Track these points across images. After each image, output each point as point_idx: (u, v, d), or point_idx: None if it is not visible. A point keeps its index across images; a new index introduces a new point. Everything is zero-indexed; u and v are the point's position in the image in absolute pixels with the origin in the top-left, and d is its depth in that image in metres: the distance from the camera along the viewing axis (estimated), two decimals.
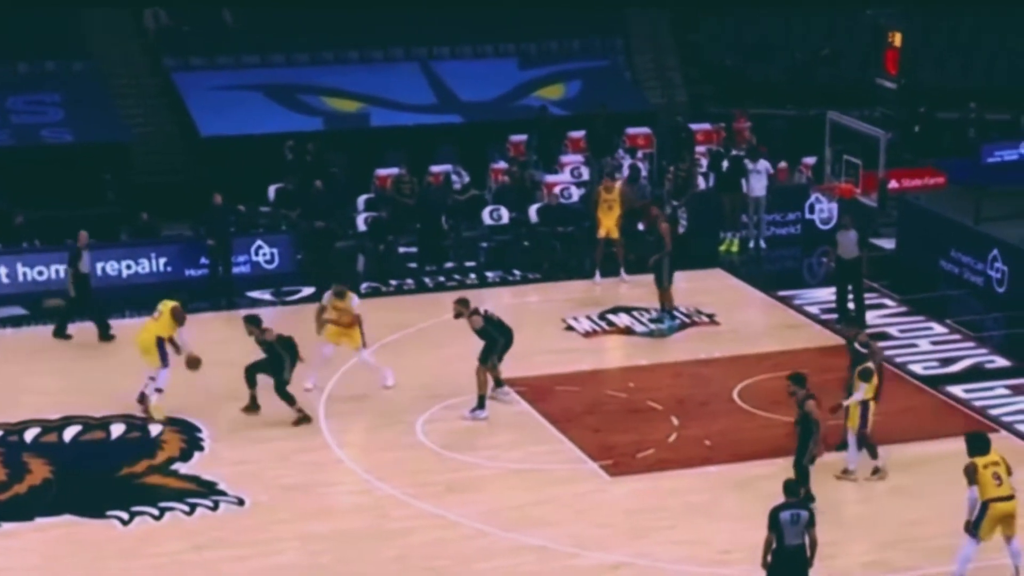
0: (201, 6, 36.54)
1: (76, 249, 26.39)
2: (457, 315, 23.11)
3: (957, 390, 24.03)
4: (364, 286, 28.01)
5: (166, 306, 23.14)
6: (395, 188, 31.64)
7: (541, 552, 19.02)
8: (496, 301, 26.34)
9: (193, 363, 22.91)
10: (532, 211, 31.42)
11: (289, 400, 22.49)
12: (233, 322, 23.74)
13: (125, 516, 19.94)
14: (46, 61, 34.65)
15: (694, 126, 34.90)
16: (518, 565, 18.78)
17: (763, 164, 31.40)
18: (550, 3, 37.35)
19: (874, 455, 20.86)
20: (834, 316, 26.99)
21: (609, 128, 34.12)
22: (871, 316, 26.96)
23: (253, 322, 22.71)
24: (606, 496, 20.64)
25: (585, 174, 33.50)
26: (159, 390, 22.94)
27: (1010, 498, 17.69)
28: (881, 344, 24.42)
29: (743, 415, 23.03)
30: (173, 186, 32.51)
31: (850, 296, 26.87)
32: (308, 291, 28.39)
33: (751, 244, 31.51)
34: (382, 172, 32.47)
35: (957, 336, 26.52)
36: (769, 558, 16.76)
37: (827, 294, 27.84)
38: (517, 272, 30.02)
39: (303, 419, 22.57)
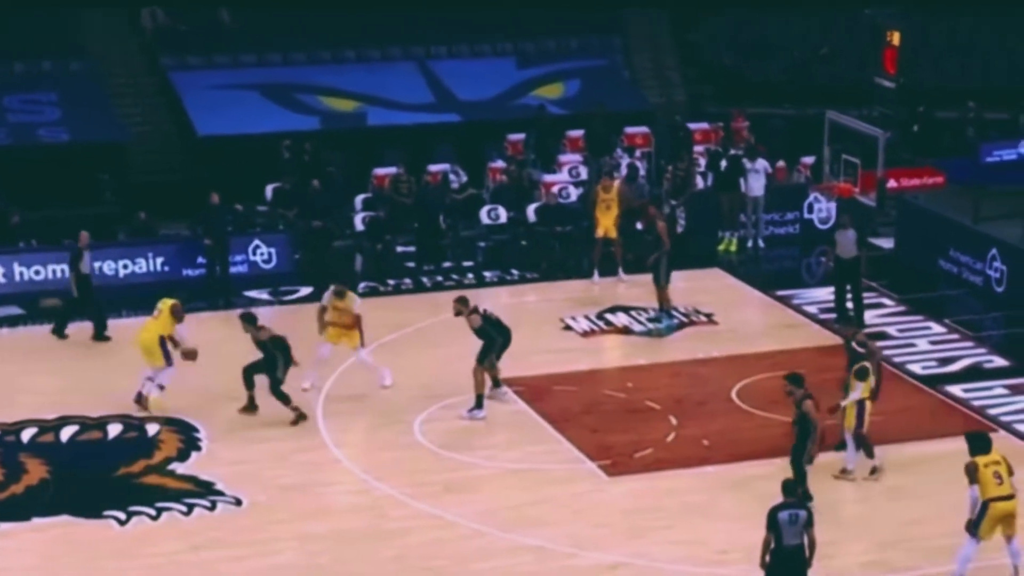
0: (198, 5, 36.50)
1: (77, 250, 26.33)
2: (457, 313, 23.08)
3: (956, 390, 24.00)
4: (362, 286, 27.95)
5: (165, 304, 23.18)
6: (393, 187, 31.60)
7: (539, 552, 18.99)
8: (494, 301, 26.28)
9: (190, 355, 22.94)
10: (530, 210, 31.37)
11: (284, 400, 22.46)
12: (230, 322, 23.71)
13: (122, 516, 19.91)
14: (43, 60, 34.62)
15: (692, 125, 34.88)
16: (516, 565, 18.75)
17: (761, 163, 31.37)
18: (548, 2, 37.30)
19: (870, 454, 20.82)
20: (833, 316, 26.95)
21: (607, 127, 34.08)
22: (870, 316, 26.93)
23: (248, 320, 22.71)
24: (604, 496, 20.61)
25: (583, 173, 33.47)
26: (161, 387, 22.95)
27: (1010, 497, 17.67)
28: (880, 344, 24.42)
29: (741, 415, 23.00)
30: (170, 185, 32.47)
31: (849, 296, 26.82)
32: (306, 291, 28.37)
33: (749, 243, 31.48)
34: (380, 171, 32.44)
35: (956, 336, 26.49)
36: (767, 558, 16.73)
37: (826, 294, 27.81)
38: (515, 271, 29.98)
39: (300, 417, 22.54)
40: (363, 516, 20.05)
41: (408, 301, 28.24)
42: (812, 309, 27.67)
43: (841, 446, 20.91)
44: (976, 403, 23.46)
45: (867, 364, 20.78)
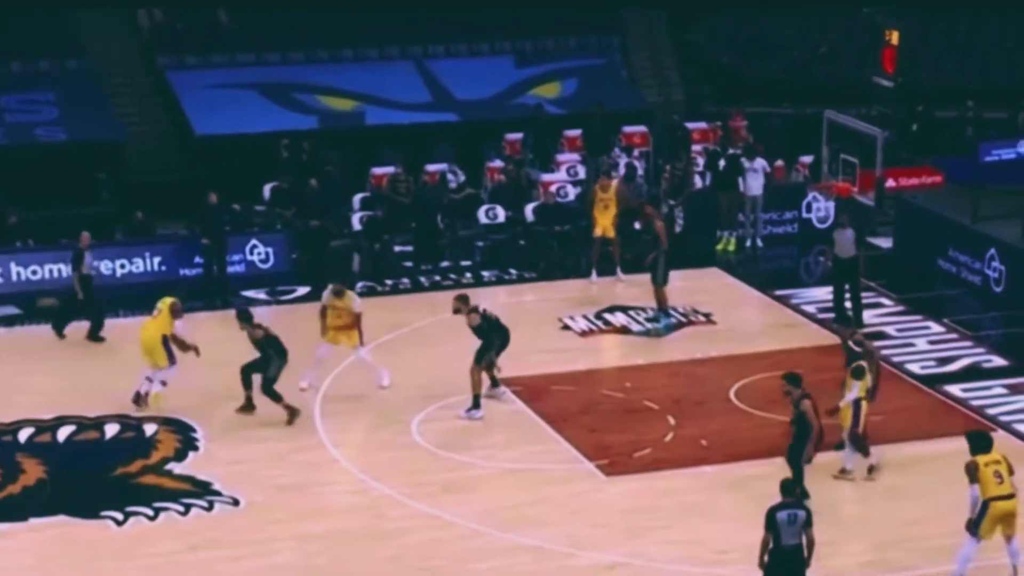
0: (196, 5, 36.46)
1: (79, 250, 26.27)
2: (456, 311, 23.06)
3: (955, 389, 23.96)
4: (360, 285, 27.89)
5: (165, 303, 23.19)
6: (391, 187, 31.57)
7: (537, 552, 18.96)
8: (492, 300, 26.23)
9: (185, 347, 22.96)
10: (528, 210, 31.34)
11: (275, 398, 22.44)
12: (228, 322, 23.65)
13: (119, 516, 19.87)
14: (40, 60, 34.61)
15: (691, 125, 34.85)
16: (514, 565, 18.72)
17: (760, 163, 31.33)
18: (546, 1, 37.29)
19: (866, 454, 20.78)
20: (831, 315, 26.91)
21: (605, 127, 34.07)
22: (868, 315, 26.90)
23: (244, 318, 22.73)
24: (602, 496, 20.58)
25: (581, 173, 33.44)
26: (163, 383, 22.97)
27: (1011, 497, 17.64)
28: (878, 343, 24.41)
29: (740, 415, 22.97)
30: (168, 185, 32.45)
31: (847, 295, 26.79)
32: (303, 290, 28.35)
33: (748, 243, 31.44)
34: (378, 171, 32.41)
35: (954, 335, 26.46)
36: (766, 558, 16.70)
37: (824, 293, 27.77)
38: (513, 271, 29.95)
39: (293, 414, 22.53)
40: (361, 516, 20.02)
41: (406, 301, 28.20)
42: (810, 309, 27.63)
43: (840, 446, 20.88)
44: (975, 403, 23.43)
45: (863, 363, 20.76)
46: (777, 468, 19.68)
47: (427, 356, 25.09)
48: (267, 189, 31.96)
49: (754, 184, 31.21)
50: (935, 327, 26.84)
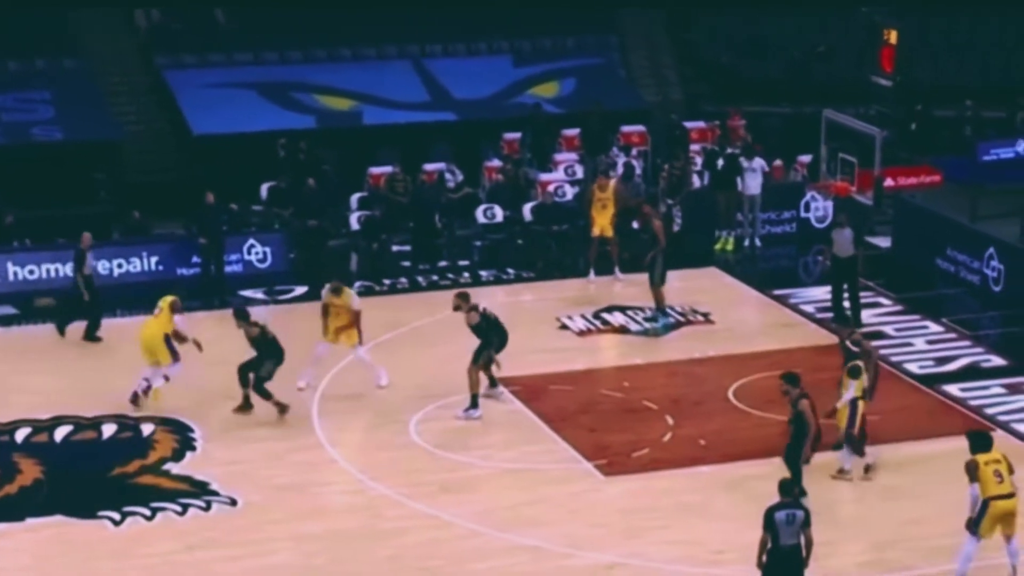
0: (193, 4, 36.41)
1: (80, 251, 26.21)
2: (456, 308, 23.02)
3: (953, 389, 23.94)
4: (357, 285, 27.83)
5: (165, 301, 23.23)
6: (388, 186, 31.53)
7: (535, 552, 18.93)
8: (490, 300, 26.16)
9: (183, 339, 22.97)
10: (526, 209, 31.31)
11: (264, 395, 22.42)
12: (225, 321, 23.61)
13: (117, 516, 19.84)
14: (36, 59, 34.55)
15: (689, 124, 34.81)
16: (512, 565, 18.69)
17: (758, 162, 31.31)
18: (544, 1, 37.23)
19: (861, 454, 20.75)
20: (830, 315, 26.89)
21: (603, 126, 34.03)
22: (867, 315, 26.87)
23: (240, 316, 22.73)
24: (600, 496, 20.55)
25: (579, 172, 33.40)
26: (166, 377, 22.99)
27: (1011, 496, 17.62)
28: (877, 343, 24.40)
29: (738, 414, 22.94)
30: (165, 184, 32.39)
31: (846, 295, 26.75)
32: (301, 290, 28.34)
33: (746, 242, 31.42)
34: (375, 170, 32.36)
35: (953, 335, 26.43)
36: (764, 558, 16.67)
37: (822, 293, 27.74)
38: (511, 271, 29.91)
39: (283, 409, 22.52)
40: (359, 516, 19.99)
41: (404, 300, 28.17)
42: (809, 308, 27.60)
43: (838, 446, 20.83)
44: (973, 402, 23.41)
45: (859, 363, 20.73)
46: (775, 468, 19.64)
47: (425, 356, 25.06)
48: (264, 189, 31.91)
49: (752, 183, 31.19)
50: (934, 326, 26.81)
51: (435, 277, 29.47)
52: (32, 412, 22.89)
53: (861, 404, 20.62)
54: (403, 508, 20.05)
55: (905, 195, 30.89)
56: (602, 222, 28.63)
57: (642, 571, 18.54)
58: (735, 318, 27.31)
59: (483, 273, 29.73)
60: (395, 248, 30.57)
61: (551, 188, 32.33)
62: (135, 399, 22.96)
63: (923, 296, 28.41)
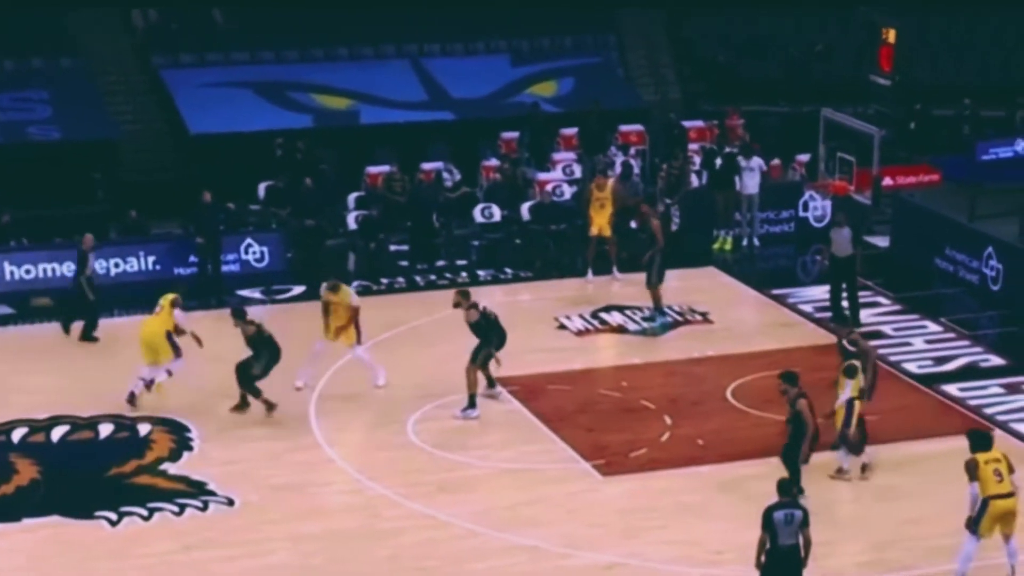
0: (191, 4, 36.36)
1: (82, 252, 26.15)
2: (456, 305, 22.98)
3: (952, 389, 23.91)
4: (355, 284, 27.78)
5: (167, 299, 23.25)
6: (386, 186, 31.49)
7: (533, 552, 18.89)
8: (488, 299, 26.09)
9: (181, 332, 22.95)
10: (524, 209, 31.27)
11: (254, 393, 22.38)
12: (222, 321, 23.57)
13: (113, 516, 19.79)
14: (33, 58, 34.51)
15: (687, 123, 34.78)
16: (510, 565, 18.65)
17: (756, 161, 31.27)
18: (542, 0, 37.19)
19: (857, 453, 20.70)
20: (828, 314, 26.85)
21: (602, 125, 33.99)
22: (865, 314, 26.83)
23: (237, 315, 22.73)
24: (598, 496, 20.51)
25: (577, 171, 33.36)
26: (169, 372, 23.03)
27: (1010, 495, 17.59)
28: (875, 343, 24.35)
29: (736, 414, 22.90)
30: (162, 184, 32.35)
31: (844, 294, 26.72)
32: (298, 290, 28.30)
33: (744, 242, 31.38)
34: (373, 170, 32.33)
35: (952, 334, 26.39)
36: (763, 558, 16.63)
37: (821, 292, 27.71)
38: (509, 270, 29.87)
39: (271, 407, 22.49)
40: (356, 516, 19.94)
41: (401, 300, 28.13)
42: (807, 308, 27.57)
43: (836, 446, 20.79)
44: (972, 402, 23.37)
45: (855, 362, 20.69)
46: (774, 468, 19.61)
47: (423, 355, 25.02)
48: (262, 188, 31.87)
49: (750, 183, 31.15)
50: (932, 326, 26.77)
51: (433, 277, 29.43)
52: (29, 412, 22.84)
53: (857, 404, 20.58)
54: (401, 508, 20.01)
55: (904, 194, 30.86)
56: (600, 221, 28.59)
57: (640, 571, 18.50)
58: (733, 318, 27.27)
59: (481, 273, 29.68)
60: (393, 248, 30.52)
61: (549, 187, 32.29)
62: (132, 399, 22.92)
63: (922, 295, 28.37)
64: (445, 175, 32.34)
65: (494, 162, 33.09)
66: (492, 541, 19.18)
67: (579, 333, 26.42)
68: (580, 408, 23.13)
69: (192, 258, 28.88)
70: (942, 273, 29.31)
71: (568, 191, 32.51)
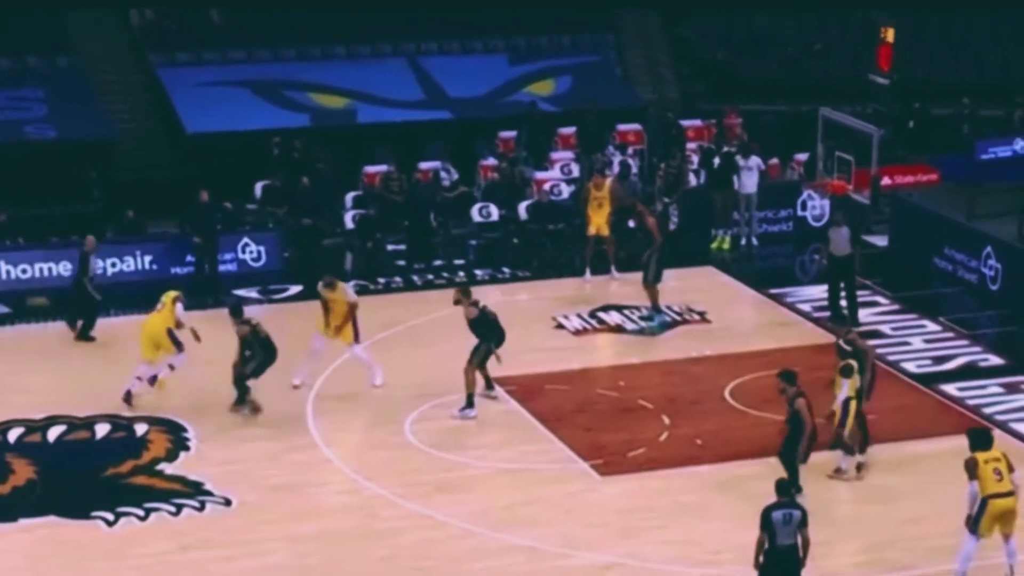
0: (188, 3, 36.31)
1: (84, 254, 26.07)
2: (456, 302, 22.94)
3: (950, 388, 23.86)
4: (352, 284, 27.73)
5: (168, 297, 23.27)
6: (383, 185, 31.45)
7: (530, 552, 18.85)
8: (486, 299, 25.95)
9: (180, 326, 22.96)
10: (522, 208, 31.25)
11: (242, 391, 22.33)
12: (219, 321, 23.53)
13: (110, 517, 19.74)
14: (29, 56, 34.47)
15: (685, 122, 34.78)
16: (507, 566, 18.61)
17: (755, 161, 31.22)
18: None
19: (850, 452, 20.65)
20: (826, 314, 26.81)
21: (599, 124, 33.96)
22: (864, 314, 26.78)
23: (234, 313, 22.72)
24: (596, 496, 20.46)
25: (575, 171, 33.33)
26: (171, 367, 23.01)
27: (1010, 495, 17.55)
28: (874, 342, 24.29)
29: (735, 414, 22.85)
30: (159, 183, 32.29)
31: (842, 294, 26.67)
32: (295, 289, 28.24)
33: (743, 241, 31.34)
34: (370, 169, 32.30)
35: (950, 334, 26.35)
36: (761, 558, 16.59)
37: (819, 292, 27.66)
38: (507, 270, 29.82)
39: (256, 410, 22.43)
40: (353, 516, 19.90)
41: (399, 299, 28.07)
42: (806, 307, 27.52)
43: (835, 445, 20.75)
44: (971, 402, 23.33)
45: (852, 362, 20.64)
46: (772, 468, 19.57)
47: (420, 355, 24.97)
48: (259, 187, 31.84)
49: (749, 182, 31.11)
50: (931, 326, 26.73)
51: (430, 276, 29.38)
52: (25, 412, 22.78)
53: (853, 404, 20.52)
54: (398, 508, 19.97)
55: (902, 194, 30.82)
56: (598, 221, 28.54)
57: (638, 571, 18.45)
58: (732, 317, 27.23)
59: (478, 272, 29.63)
60: (390, 247, 30.49)
61: (547, 187, 32.25)
62: (128, 397, 22.87)
63: (920, 295, 28.33)
64: (443, 174, 32.31)
65: (492, 161, 33.05)
66: (489, 541, 19.13)
67: (577, 333, 26.37)
68: (578, 408, 23.08)
69: (189, 257, 28.84)
70: (941, 272, 29.27)
71: (566, 190, 32.47)
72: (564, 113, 34.74)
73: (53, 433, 22.23)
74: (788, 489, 17.06)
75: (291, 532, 19.36)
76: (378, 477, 20.77)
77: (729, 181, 31.28)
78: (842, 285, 26.67)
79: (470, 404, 22.61)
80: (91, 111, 33.30)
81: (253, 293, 28.22)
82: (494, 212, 31.40)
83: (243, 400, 22.62)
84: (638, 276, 26.97)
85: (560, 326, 26.59)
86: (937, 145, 34.39)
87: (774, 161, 33.05)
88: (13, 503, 20.21)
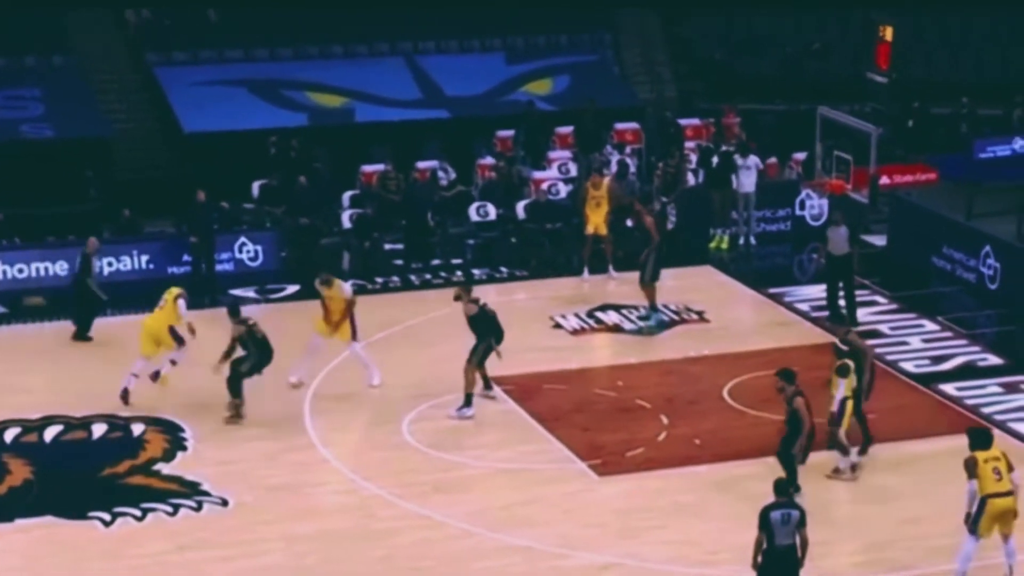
0: (184, 2, 36.27)
1: (86, 256, 26.01)
2: (456, 298, 22.96)
3: (949, 388, 23.83)
4: (350, 283, 27.69)
5: (171, 294, 23.27)
6: (380, 184, 31.41)
7: (528, 553, 18.81)
8: (483, 298, 25.99)
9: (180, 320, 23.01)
10: (519, 207, 31.21)
11: (234, 391, 22.29)
12: (216, 320, 23.48)
13: (107, 517, 19.70)
14: (26, 55, 34.43)
15: (683, 121, 34.74)
16: (505, 566, 18.57)
17: (753, 160, 31.20)
18: None
19: (845, 452, 20.61)
20: (825, 313, 26.77)
21: (597, 123, 33.93)
22: (862, 313, 26.74)
23: (231, 313, 22.70)
24: (594, 496, 20.42)
25: (573, 170, 33.30)
26: (173, 362, 23.01)
27: (1009, 494, 17.51)
28: (872, 342, 24.24)
29: (733, 413, 22.82)
30: (155, 182, 32.26)
31: (841, 293, 26.64)
32: (292, 289, 28.21)
33: (741, 241, 31.31)
34: (367, 168, 32.26)
35: (949, 333, 26.32)
36: (759, 558, 16.55)
37: (818, 291, 27.62)
38: (504, 269, 29.78)
39: (239, 414, 22.32)
40: (351, 516, 19.86)
41: (396, 299, 28.04)
42: (804, 307, 27.49)
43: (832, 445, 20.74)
44: (970, 401, 23.29)
45: (848, 362, 20.60)
46: (770, 468, 19.54)
47: (418, 355, 24.94)
48: (256, 187, 31.80)
49: (747, 181, 31.07)
50: (929, 325, 26.70)
51: (428, 276, 29.34)
52: (21, 412, 22.74)
53: (849, 404, 20.48)
54: (396, 508, 19.93)
55: (901, 193, 30.79)
56: (596, 220, 28.51)
57: (636, 571, 18.42)
58: (730, 317, 27.20)
59: (476, 271, 29.58)
60: (387, 246, 30.46)
61: (545, 186, 32.22)
62: (125, 395, 22.84)
63: (919, 294, 28.30)
64: (440, 173, 32.27)
65: (489, 160, 33.01)
66: (487, 541, 19.09)
67: (575, 332, 26.33)
68: (576, 408, 23.04)
69: (186, 257, 28.81)
70: (939, 272, 29.24)
71: (564, 189, 32.44)
72: (562, 112, 34.71)
73: (50, 433, 22.19)
74: (787, 489, 17.01)
75: (288, 532, 19.32)
76: (376, 477, 20.73)
77: (727, 180, 31.25)
78: (840, 284, 26.64)
79: (468, 403, 22.56)
80: (88, 110, 33.27)
81: (250, 293, 28.19)
82: (492, 211, 31.36)
83: (237, 395, 22.52)
84: (636, 276, 26.93)
85: (558, 326, 26.56)
86: (936, 144, 34.37)
87: (772, 160, 33.03)
88: (10, 503, 20.16)
